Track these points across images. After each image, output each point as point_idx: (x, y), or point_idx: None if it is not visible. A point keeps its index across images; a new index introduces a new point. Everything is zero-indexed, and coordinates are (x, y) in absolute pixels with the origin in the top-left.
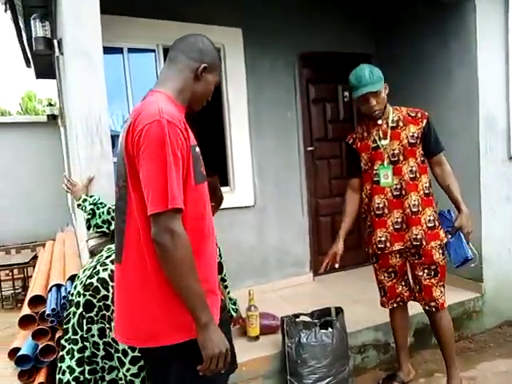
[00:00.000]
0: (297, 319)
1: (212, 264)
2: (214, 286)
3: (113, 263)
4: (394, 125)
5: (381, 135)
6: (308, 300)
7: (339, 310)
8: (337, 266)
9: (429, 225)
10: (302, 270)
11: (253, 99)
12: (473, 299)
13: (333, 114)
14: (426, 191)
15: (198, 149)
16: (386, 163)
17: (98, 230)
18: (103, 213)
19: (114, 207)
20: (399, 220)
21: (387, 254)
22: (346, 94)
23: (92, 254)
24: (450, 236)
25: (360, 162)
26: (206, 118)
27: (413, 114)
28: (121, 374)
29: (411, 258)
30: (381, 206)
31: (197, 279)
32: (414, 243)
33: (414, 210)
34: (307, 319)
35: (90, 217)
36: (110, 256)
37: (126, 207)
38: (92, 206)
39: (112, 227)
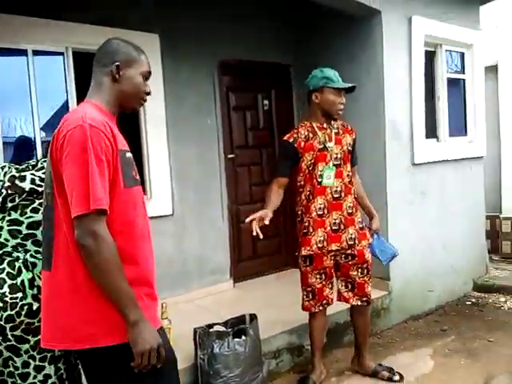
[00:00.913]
0: (210, 330)
1: (148, 267)
2: (151, 289)
3: None
4: (336, 131)
5: (326, 138)
6: (227, 308)
7: (253, 317)
8: (261, 236)
9: (360, 225)
10: (222, 277)
11: (171, 106)
12: (381, 297)
13: (253, 122)
14: (355, 195)
15: (129, 154)
16: (331, 164)
17: None
18: None
19: None
20: (337, 221)
21: (322, 256)
22: (266, 102)
23: None
24: (375, 243)
25: (299, 162)
26: (120, 125)
27: (345, 126)
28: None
29: (344, 259)
30: (322, 206)
31: (123, 279)
32: (350, 243)
33: (350, 211)
34: (221, 329)
35: None
36: None
37: (53, 214)
38: None
39: None
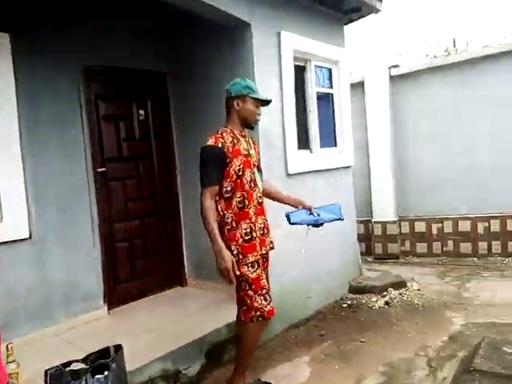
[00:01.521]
0: (66, 369)
1: None
2: None
3: None
4: (251, 141)
5: (248, 145)
6: (99, 339)
7: (118, 348)
8: (238, 272)
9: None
10: (94, 304)
11: (27, 116)
12: None
13: (128, 133)
14: None
15: None
16: (256, 170)
17: None
18: None
19: None
20: (262, 226)
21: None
22: (142, 112)
23: None
24: (316, 214)
25: (227, 168)
26: None
27: (252, 137)
28: None
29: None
30: (253, 212)
31: None
32: (270, 246)
33: (267, 216)
34: (79, 366)
35: None
36: None
37: None
38: None
39: None
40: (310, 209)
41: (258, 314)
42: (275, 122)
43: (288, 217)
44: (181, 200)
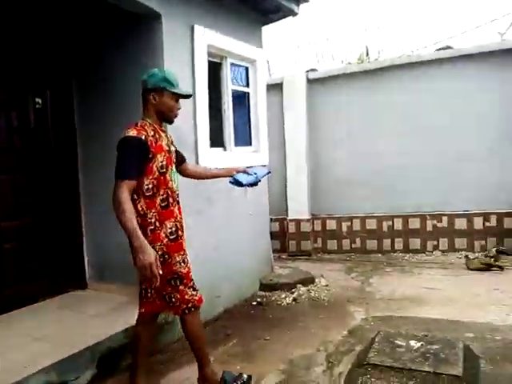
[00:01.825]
0: None
1: None
2: None
3: None
4: (169, 137)
5: (167, 141)
6: None
7: None
8: (161, 272)
9: None
10: None
11: None
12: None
13: (20, 122)
14: None
15: None
16: (174, 168)
17: None
18: None
19: None
20: (178, 225)
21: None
22: (39, 100)
23: None
24: (253, 173)
25: (150, 163)
26: None
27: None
28: None
29: None
30: (177, 210)
31: None
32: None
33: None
34: None
35: None
36: None
37: None
38: None
39: None
40: (244, 171)
41: (190, 305)
42: (187, 118)
43: (237, 181)
44: (82, 197)
